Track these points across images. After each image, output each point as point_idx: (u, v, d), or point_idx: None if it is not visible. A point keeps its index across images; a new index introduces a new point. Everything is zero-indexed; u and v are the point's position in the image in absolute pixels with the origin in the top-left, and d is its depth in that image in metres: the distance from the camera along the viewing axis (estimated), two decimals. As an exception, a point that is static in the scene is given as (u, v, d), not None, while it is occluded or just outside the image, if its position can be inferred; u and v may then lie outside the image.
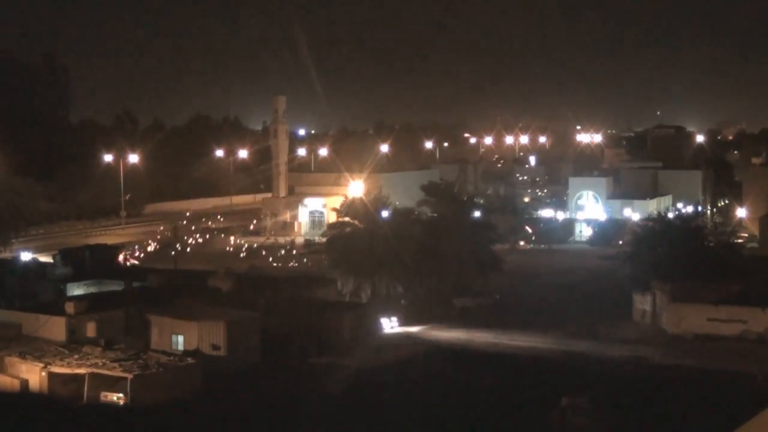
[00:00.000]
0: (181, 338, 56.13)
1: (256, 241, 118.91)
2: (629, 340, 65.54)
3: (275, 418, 47.23)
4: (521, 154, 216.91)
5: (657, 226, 79.33)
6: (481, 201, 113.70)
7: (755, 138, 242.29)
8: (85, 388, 49.81)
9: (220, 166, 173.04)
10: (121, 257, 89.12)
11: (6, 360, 53.30)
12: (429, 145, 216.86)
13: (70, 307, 57.91)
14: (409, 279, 76.03)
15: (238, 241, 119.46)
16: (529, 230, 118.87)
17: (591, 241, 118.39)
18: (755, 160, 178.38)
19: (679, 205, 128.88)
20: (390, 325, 68.88)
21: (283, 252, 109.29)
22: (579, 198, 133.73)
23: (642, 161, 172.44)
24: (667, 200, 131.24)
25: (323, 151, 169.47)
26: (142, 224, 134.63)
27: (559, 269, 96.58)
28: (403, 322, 69.80)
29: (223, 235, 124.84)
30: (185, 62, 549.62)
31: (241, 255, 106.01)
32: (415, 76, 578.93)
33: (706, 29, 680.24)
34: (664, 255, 74.04)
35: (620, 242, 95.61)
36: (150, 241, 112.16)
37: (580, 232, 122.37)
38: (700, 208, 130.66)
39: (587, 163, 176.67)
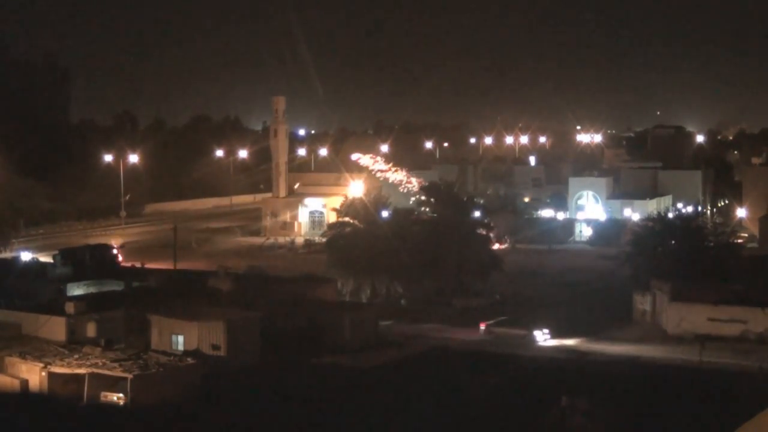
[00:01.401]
0: (181, 338, 56.11)
1: (256, 241, 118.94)
2: (629, 340, 65.56)
3: (275, 418, 47.22)
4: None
5: (657, 226, 79.39)
6: (481, 201, 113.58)
7: (755, 138, 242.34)
8: (85, 388, 49.80)
9: (220, 166, 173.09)
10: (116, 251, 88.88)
11: (6, 360, 53.29)
12: (429, 145, 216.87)
13: (70, 307, 57.92)
14: (408, 279, 76.03)
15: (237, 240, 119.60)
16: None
17: (591, 241, 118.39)
18: (755, 160, 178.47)
19: (679, 205, 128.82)
20: (543, 338, 65.10)
21: (282, 252, 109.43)
22: (579, 198, 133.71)
23: (642, 161, 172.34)
24: (667, 200, 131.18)
25: (323, 151, 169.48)
26: (142, 224, 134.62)
27: (559, 269, 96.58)
28: (556, 334, 65.81)
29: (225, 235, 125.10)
30: (185, 62, 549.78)
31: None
32: (415, 76, 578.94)
33: (706, 29, 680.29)
34: (664, 255, 74.11)
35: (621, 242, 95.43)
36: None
37: (580, 232, 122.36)
38: (700, 209, 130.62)
39: (587, 163, 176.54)
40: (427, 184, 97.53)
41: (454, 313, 74.30)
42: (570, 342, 64.90)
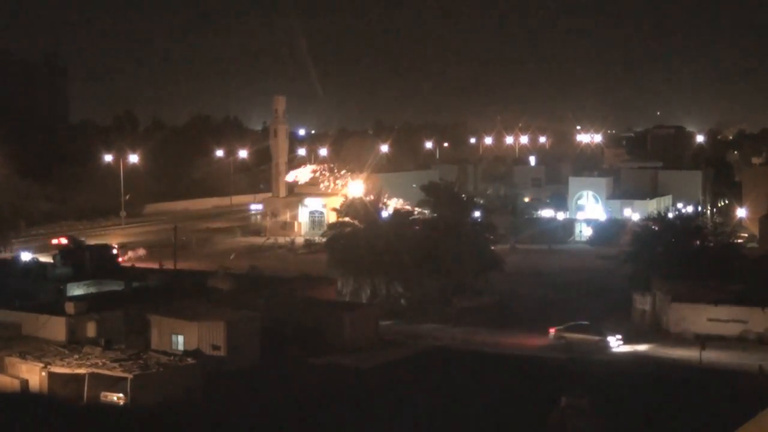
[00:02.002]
0: (181, 338, 56.10)
1: (256, 241, 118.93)
2: (629, 340, 65.52)
3: (275, 419, 47.21)
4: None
5: (657, 226, 79.42)
6: (481, 201, 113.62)
7: (755, 138, 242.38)
8: (85, 388, 49.78)
9: (220, 166, 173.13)
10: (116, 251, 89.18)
11: (6, 360, 53.27)
12: (429, 145, 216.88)
13: (70, 307, 57.89)
14: (408, 279, 76.02)
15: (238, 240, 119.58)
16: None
17: (591, 241, 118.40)
18: (755, 160, 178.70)
19: (679, 205, 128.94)
20: (616, 344, 63.28)
21: (282, 252, 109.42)
22: (579, 198, 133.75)
23: (642, 161, 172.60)
24: (667, 200, 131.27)
25: (323, 151, 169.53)
26: (142, 224, 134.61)
27: (559, 269, 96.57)
28: (628, 340, 64.09)
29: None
30: (185, 62, 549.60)
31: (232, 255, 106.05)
32: (414, 76, 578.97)
33: (706, 29, 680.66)
34: (664, 255, 74.12)
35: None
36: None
37: (580, 232, 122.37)
38: (700, 208, 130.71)
39: (587, 163, 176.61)
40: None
41: (454, 313, 74.31)
42: (642, 347, 63.21)
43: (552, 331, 65.07)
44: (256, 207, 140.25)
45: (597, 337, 63.43)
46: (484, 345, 64.26)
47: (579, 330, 64.54)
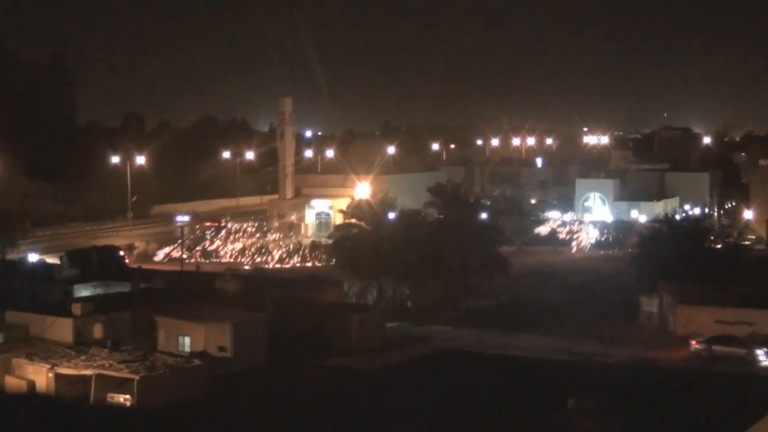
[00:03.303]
0: (187, 340, 56.14)
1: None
2: (635, 342, 65.40)
3: (282, 419, 47.22)
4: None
5: (664, 228, 79.32)
6: (488, 202, 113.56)
7: (762, 140, 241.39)
8: (92, 389, 49.86)
9: (226, 167, 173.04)
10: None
11: (13, 361, 53.36)
12: (436, 146, 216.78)
13: (77, 309, 57.93)
14: (415, 281, 75.99)
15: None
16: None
17: (597, 242, 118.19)
18: (762, 162, 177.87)
19: (686, 207, 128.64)
20: (764, 356, 59.55)
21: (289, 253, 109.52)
22: (586, 200, 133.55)
23: (649, 163, 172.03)
24: (674, 202, 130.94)
25: (330, 153, 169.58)
26: (149, 226, 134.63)
27: (565, 271, 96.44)
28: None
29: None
30: (192, 64, 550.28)
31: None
32: (422, 78, 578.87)
33: (714, 30, 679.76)
34: (671, 257, 73.98)
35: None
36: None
37: (587, 233, 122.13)
38: (707, 210, 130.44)
39: (594, 165, 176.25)
40: None
41: (461, 315, 74.27)
42: None
43: (693, 342, 61.99)
44: (181, 218, 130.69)
45: (744, 350, 60.62)
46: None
47: (725, 342, 61.27)
